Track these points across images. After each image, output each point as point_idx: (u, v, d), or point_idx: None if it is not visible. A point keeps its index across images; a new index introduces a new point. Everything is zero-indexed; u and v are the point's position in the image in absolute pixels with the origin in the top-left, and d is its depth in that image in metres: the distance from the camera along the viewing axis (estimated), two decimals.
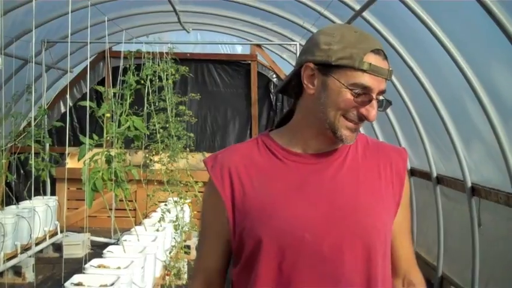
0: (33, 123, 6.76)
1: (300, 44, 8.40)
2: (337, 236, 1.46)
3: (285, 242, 1.45)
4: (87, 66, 9.79)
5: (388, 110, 7.20)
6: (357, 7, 5.35)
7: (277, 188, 1.49)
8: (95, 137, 4.49)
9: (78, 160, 4.33)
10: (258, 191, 1.50)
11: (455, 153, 5.44)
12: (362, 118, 1.47)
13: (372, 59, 1.45)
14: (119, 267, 4.16)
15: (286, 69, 10.35)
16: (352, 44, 1.46)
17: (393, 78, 6.29)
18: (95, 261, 4.27)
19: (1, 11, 4.61)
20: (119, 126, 5.10)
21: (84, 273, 4.00)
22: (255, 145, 1.58)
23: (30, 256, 6.56)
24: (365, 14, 5.36)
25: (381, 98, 1.49)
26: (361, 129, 5.75)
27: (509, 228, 4.59)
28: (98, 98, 8.71)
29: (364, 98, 1.46)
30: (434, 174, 6.27)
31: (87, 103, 4.49)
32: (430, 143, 6.31)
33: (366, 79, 1.45)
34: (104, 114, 4.68)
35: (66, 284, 3.69)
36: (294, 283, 1.45)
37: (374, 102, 1.47)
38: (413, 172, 7.11)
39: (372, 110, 1.47)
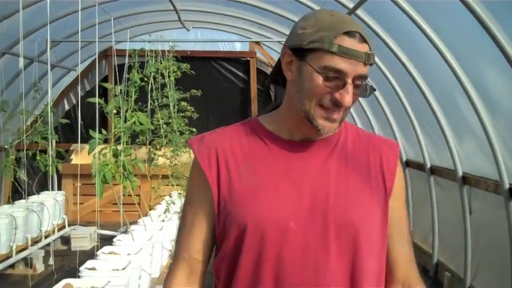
0: (40, 120, 7.00)
1: None
2: (322, 226, 1.40)
3: (269, 230, 1.39)
4: (90, 64, 10.08)
5: (384, 105, 7.46)
6: (351, 5, 5.59)
7: (263, 174, 1.45)
8: (104, 131, 4.73)
9: (89, 154, 4.58)
10: (244, 176, 1.45)
11: (447, 145, 5.69)
12: (336, 104, 1.39)
13: (345, 42, 1.37)
14: (128, 254, 4.41)
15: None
16: (325, 26, 1.38)
17: (387, 73, 6.54)
18: (106, 249, 4.53)
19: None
20: (125, 122, 5.35)
21: (96, 259, 4.26)
22: (243, 129, 1.53)
23: (40, 248, 6.82)
24: (358, 12, 5.60)
25: (359, 83, 1.40)
26: (358, 121, 5.97)
27: (497, 214, 4.83)
28: (102, 95, 8.96)
29: (337, 82, 1.37)
30: (428, 165, 6.52)
31: (96, 100, 4.74)
32: (424, 136, 6.55)
33: (336, 62, 1.36)
34: (111, 111, 4.92)
35: (81, 268, 3.94)
36: (276, 273, 1.40)
37: (348, 87, 1.37)
38: (408, 163, 7.36)
39: (346, 95, 1.37)
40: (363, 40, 1.39)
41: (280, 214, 1.40)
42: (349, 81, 1.37)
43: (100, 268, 4.03)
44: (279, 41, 9.60)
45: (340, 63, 1.36)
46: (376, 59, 6.61)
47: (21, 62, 4.39)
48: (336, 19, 1.40)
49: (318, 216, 1.40)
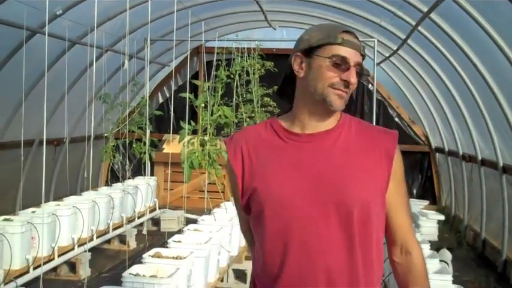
0: (136, 111, 7.71)
1: (378, 41, 8.94)
2: (324, 203, 1.72)
3: (281, 207, 1.74)
4: (182, 60, 10.82)
5: (462, 106, 7.64)
6: (425, 9, 5.88)
7: (278, 164, 1.78)
8: (192, 123, 5.31)
9: (179, 142, 5.16)
10: (262, 165, 1.79)
11: None
12: (346, 83, 1.74)
13: (346, 36, 1.76)
14: (210, 232, 4.97)
15: (365, 63, 10.88)
16: (328, 29, 1.79)
17: (464, 75, 6.77)
18: (191, 226, 5.12)
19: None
20: (211, 115, 5.92)
21: (182, 234, 4.85)
22: (264, 127, 1.87)
23: (133, 227, 7.56)
24: (432, 15, 5.88)
25: (357, 69, 1.74)
26: (438, 120, 6.23)
27: None
28: (192, 89, 9.65)
29: (343, 66, 1.73)
30: (501, 164, 6.68)
31: (187, 95, 5.33)
32: (497, 136, 6.71)
33: (342, 50, 1.73)
34: (199, 104, 5.49)
35: (169, 240, 4.54)
36: (289, 240, 1.74)
37: (352, 69, 1.73)
38: (483, 162, 7.52)
39: (351, 76, 1.73)
40: (356, 37, 1.79)
41: (288, 193, 1.74)
42: (352, 65, 1.74)
43: (185, 241, 4.62)
44: (360, 41, 9.90)
45: (345, 52, 1.74)
46: (452, 60, 6.87)
47: (126, 63, 4.99)
48: (335, 25, 1.83)
49: (320, 194, 1.73)
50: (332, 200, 1.72)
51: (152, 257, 4.13)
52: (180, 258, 4.09)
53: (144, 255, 4.17)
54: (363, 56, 1.79)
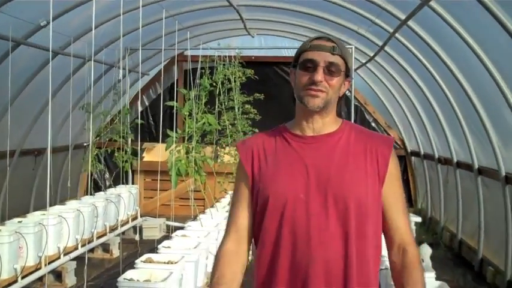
0: (116, 120, 7.76)
1: (355, 47, 9.13)
2: (323, 197, 1.88)
3: (284, 199, 1.89)
4: (161, 70, 10.88)
5: (437, 110, 7.84)
6: (402, 17, 6.06)
7: (283, 161, 1.96)
8: (179, 131, 5.40)
9: (166, 150, 5.24)
10: (269, 164, 1.98)
11: (492, 147, 6.07)
12: (313, 82, 1.90)
13: (315, 42, 1.95)
14: (198, 237, 5.06)
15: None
16: (306, 41, 2.00)
17: (439, 80, 6.96)
18: (179, 232, 5.20)
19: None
20: (196, 123, 6.01)
21: (171, 240, 4.93)
22: (274, 132, 2.06)
23: (116, 235, 7.59)
24: (410, 23, 6.07)
25: (332, 69, 1.90)
26: (414, 124, 6.41)
27: None
28: (172, 98, 9.71)
29: (312, 68, 1.91)
30: (476, 166, 6.88)
31: (175, 104, 5.42)
32: (472, 139, 6.91)
33: (309, 54, 1.92)
34: (185, 113, 5.59)
35: (159, 246, 4.61)
36: (292, 231, 1.88)
37: (318, 69, 1.89)
38: (458, 164, 7.72)
39: (316, 74, 1.89)
40: (329, 40, 1.96)
41: (292, 188, 1.91)
42: (320, 64, 1.91)
43: (174, 247, 4.70)
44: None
45: (312, 55, 1.93)
46: (428, 66, 7.07)
47: (121, 73, 5.05)
48: (315, 36, 2.02)
49: (321, 190, 1.89)
50: (331, 195, 1.88)
51: (144, 262, 4.21)
52: (172, 263, 4.17)
53: (136, 261, 4.24)
54: (341, 56, 1.93)
